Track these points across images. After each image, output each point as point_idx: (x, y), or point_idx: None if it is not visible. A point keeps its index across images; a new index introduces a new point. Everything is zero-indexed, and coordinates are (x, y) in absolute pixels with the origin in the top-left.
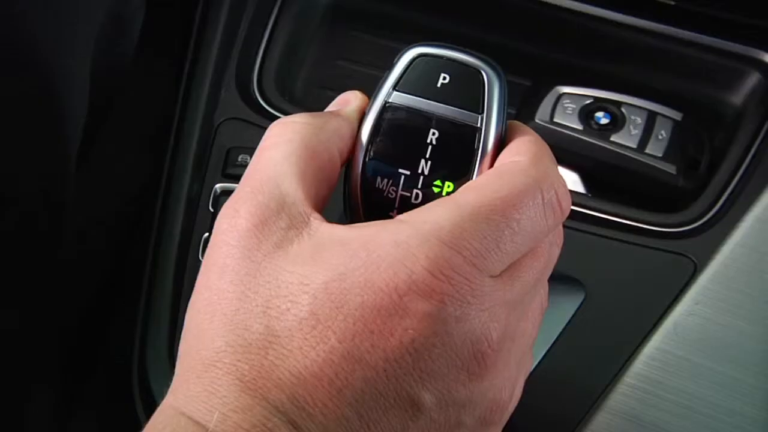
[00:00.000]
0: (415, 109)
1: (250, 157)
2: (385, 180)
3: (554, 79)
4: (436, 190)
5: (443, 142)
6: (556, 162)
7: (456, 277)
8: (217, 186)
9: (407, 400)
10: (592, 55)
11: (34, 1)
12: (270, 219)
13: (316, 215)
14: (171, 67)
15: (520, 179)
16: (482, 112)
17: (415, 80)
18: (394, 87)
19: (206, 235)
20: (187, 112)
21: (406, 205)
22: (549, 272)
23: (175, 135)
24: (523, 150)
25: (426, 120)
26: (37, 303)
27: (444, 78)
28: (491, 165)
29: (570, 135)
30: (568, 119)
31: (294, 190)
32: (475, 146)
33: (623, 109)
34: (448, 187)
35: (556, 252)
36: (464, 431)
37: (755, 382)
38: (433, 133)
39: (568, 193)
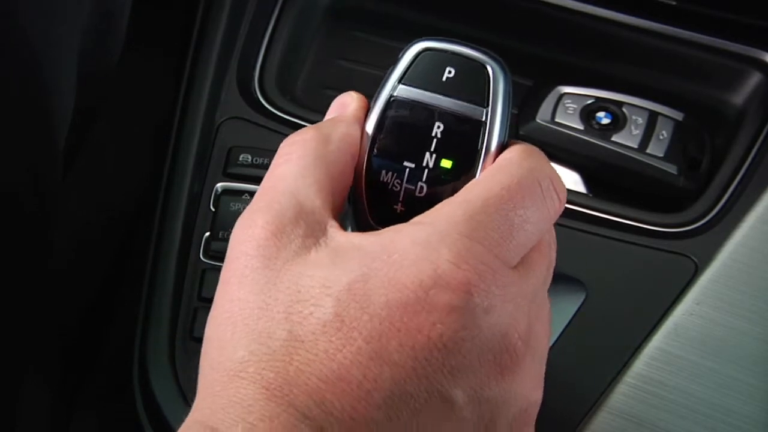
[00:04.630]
0: (420, 103)
1: (252, 156)
2: (390, 173)
3: (555, 79)
4: (441, 180)
5: (448, 136)
6: (548, 159)
7: (480, 266)
8: (219, 185)
9: (438, 399)
10: (594, 55)
11: None
12: (288, 227)
13: (333, 223)
14: (172, 67)
15: (516, 170)
16: (487, 106)
17: (421, 74)
18: (400, 80)
19: (207, 234)
20: (189, 111)
21: (411, 198)
22: (551, 275)
23: (176, 134)
24: (514, 149)
25: (431, 113)
26: (35, 303)
27: (449, 72)
28: (496, 159)
29: (571, 135)
30: (570, 119)
31: (311, 200)
32: (480, 140)
33: (624, 109)
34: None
35: (554, 255)
36: None
37: (756, 383)
38: (438, 127)
39: (563, 183)
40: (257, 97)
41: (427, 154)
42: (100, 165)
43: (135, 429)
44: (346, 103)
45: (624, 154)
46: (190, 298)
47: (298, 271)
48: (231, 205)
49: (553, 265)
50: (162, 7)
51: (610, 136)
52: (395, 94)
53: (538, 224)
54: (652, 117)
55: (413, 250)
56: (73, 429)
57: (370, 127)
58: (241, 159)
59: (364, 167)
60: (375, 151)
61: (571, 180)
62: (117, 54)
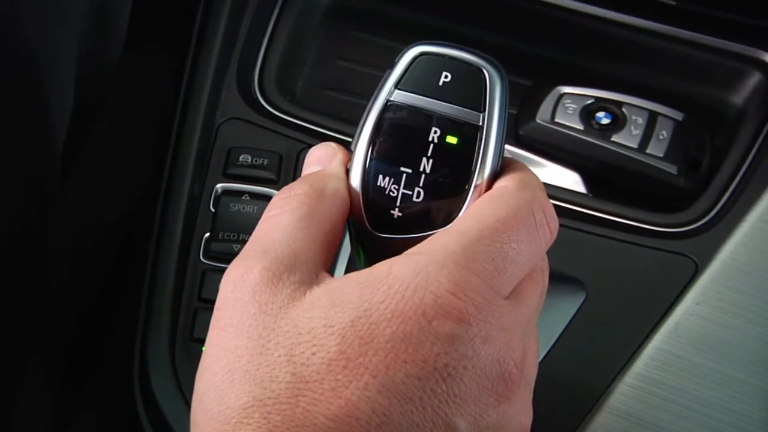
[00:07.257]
0: (417, 108)
1: (252, 157)
2: (387, 178)
3: (555, 79)
4: (438, 185)
5: (445, 141)
6: (544, 188)
7: (477, 298)
8: (218, 186)
9: (443, 428)
10: (594, 55)
11: None
12: (284, 274)
13: (326, 275)
14: (172, 67)
15: (512, 201)
16: (484, 111)
17: (417, 79)
18: (396, 85)
19: (207, 235)
20: (188, 111)
21: (408, 203)
22: (543, 300)
23: (176, 135)
24: (511, 177)
25: (427, 118)
26: (35, 303)
27: (446, 76)
28: (492, 165)
29: (571, 135)
30: (569, 119)
31: (306, 250)
32: (477, 144)
33: (624, 109)
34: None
35: (547, 279)
36: None
37: (756, 382)
38: (435, 132)
39: (555, 215)
40: (257, 97)
41: (424, 159)
42: (100, 166)
43: (135, 429)
44: (329, 155)
45: (624, 154)
46: (191, 299)
47: (296, 314)
48: (231, 205)
49: (546, 289)
50: (162, 7)
51: (610, 136)
52: (392, 99)
53: (529, 256)
54: (652, 117)
55: (414, 280)
56: (73, 429)
57: (366, 132)
58: (240, 159)
59: (361, 172)
60: (372, 156)
61: (571, 180)
62: (117, 54)
